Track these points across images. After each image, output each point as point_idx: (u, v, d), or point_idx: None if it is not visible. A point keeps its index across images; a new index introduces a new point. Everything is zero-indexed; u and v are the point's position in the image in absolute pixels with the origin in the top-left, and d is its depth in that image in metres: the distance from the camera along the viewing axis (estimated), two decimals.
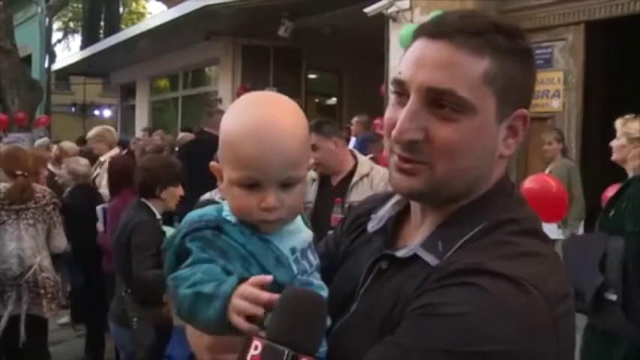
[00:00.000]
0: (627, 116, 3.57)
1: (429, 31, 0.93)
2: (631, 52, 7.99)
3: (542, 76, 6.78)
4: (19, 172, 4.12)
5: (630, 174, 3.46)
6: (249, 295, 0.89)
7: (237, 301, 0.89)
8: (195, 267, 0.97)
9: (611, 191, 3.68)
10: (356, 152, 3.78)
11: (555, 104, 6.77)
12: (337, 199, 3.49)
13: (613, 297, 3.09)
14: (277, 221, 1.01)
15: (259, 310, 0.87)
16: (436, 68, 0.89)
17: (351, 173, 3.62)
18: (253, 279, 0.92)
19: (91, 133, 6.36)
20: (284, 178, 0.99)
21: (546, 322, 0.80)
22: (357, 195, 3.44)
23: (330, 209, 3.45)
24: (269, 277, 0.92)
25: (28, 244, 4.09)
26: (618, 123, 3.56)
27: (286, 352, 0.75)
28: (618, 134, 3.53)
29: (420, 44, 0.93)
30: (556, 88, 6.75)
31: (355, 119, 7.92)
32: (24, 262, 4.05)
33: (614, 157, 3.59)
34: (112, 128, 6.80)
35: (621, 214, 3.26)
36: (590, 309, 3.09)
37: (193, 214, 1.04)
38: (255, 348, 0.76)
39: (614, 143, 3.57)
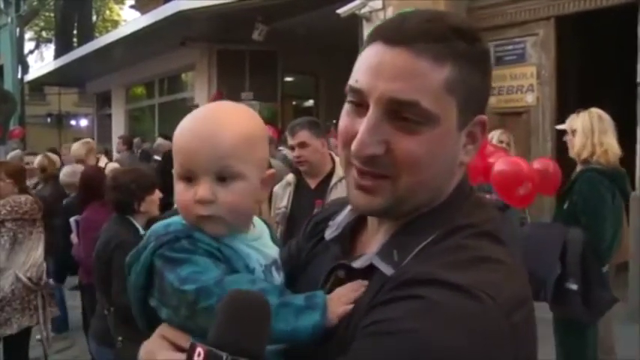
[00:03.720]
0: (573, 115, 3.71)
1: (387, 36, 0.88)
2: (601, 44, 8.12)
3: (516, 71, 6.87)
4: (28, 184, 4.32)
5: (578, 167, 3.57)
6: (345, 299, 0.92)
7: (340, 308, 0.91)
8: (235, 276, 0.95)
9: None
10: (333, 154, 3.79)
11: (530, 98, 6.85)
12: (318, 201, 3.49)
13: (574, 286, 3.19)
14: (213, 218, 0.99)
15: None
16: (397, 78, 0.85)
17: (329, 175, 3.62)
18: (346, 287, 0.94)
19: (80, 147, 6.25)
20: (218, 167, 0.98)
21: (501, 330, 0.77)
22: (337, 196, 3.44)
23: (307, 211, 3.44)
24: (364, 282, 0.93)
25: (40, 251, 4.32)
26: (567, 122, 3.69)
27: (224, 356, 0.75)
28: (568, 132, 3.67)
29: (376, 50, 0.88)
30: (530, 83, 6.84)
31: None
32: (40, 269, 4.28)
33: (570, 152, 3.70)
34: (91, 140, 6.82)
35: (574, 206, 3.38)
36: (551, 298, 3.19)
37: (157, 227, 1.03)
38: (199, 355, 0.76)
39: (567, 140, 3.68)
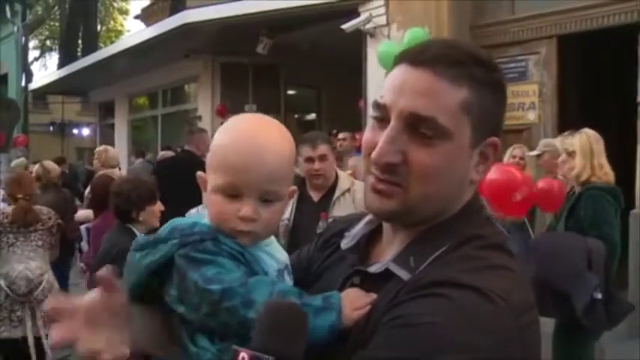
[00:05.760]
0: (565, 133, 3.80)
1: (412, 58, 0.96)
2: (602, 63, 8.19)
3: (518, 89, 6.92)
4: (19, 196, 4.20)
5: (577, 188, 3.62)
6: (358, 303, 0.97)
7: (355, 313, 0.96)
8: (257, 278, 1.00)
9: None
10: (336, 168, 3.83)
11: (531, 116, 6.91)
12: (323, 214, 3.52)
13: (599, 295, 3.23)
14: (251, 234, 1.05)
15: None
16: (418, 95, 0.93)
17: (332, 188, 3.66)
18: (357, 291, 0.99)
19: (101, 151, 6.22)
20: (264, 189, 1.04)
21: (513, 330, 0.83)
22: (340, 210, 3.47)
23: (310, 225, 3.46)
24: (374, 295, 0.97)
25: (36, 264, 4.18)
26: (558, 141, 3.75)
27: (270, 359, 0.80)
28: (560, 151, 3.75)
29: (401, 71, 0.97)
30: (531, 101, 6.90)
31: (346, 135, 7.86)
32: (32, 282, 4.13)
33: (560, 172, 3.77)
34: (110, 148, 6.73)
35: (580, 222, 3.44)
36: (584, 310, 3.23)
37: (181, 224, 1.06)
38: (242, 359, 0.80)
39: (559, 160, 3.74)
